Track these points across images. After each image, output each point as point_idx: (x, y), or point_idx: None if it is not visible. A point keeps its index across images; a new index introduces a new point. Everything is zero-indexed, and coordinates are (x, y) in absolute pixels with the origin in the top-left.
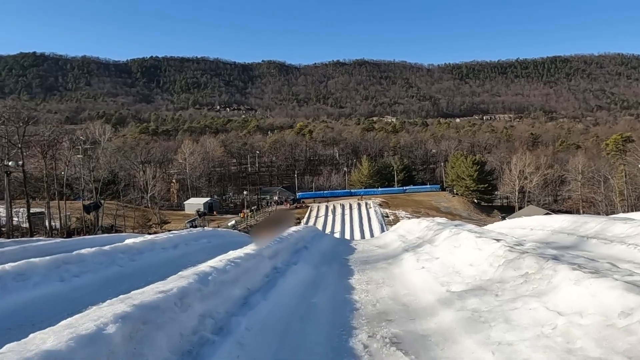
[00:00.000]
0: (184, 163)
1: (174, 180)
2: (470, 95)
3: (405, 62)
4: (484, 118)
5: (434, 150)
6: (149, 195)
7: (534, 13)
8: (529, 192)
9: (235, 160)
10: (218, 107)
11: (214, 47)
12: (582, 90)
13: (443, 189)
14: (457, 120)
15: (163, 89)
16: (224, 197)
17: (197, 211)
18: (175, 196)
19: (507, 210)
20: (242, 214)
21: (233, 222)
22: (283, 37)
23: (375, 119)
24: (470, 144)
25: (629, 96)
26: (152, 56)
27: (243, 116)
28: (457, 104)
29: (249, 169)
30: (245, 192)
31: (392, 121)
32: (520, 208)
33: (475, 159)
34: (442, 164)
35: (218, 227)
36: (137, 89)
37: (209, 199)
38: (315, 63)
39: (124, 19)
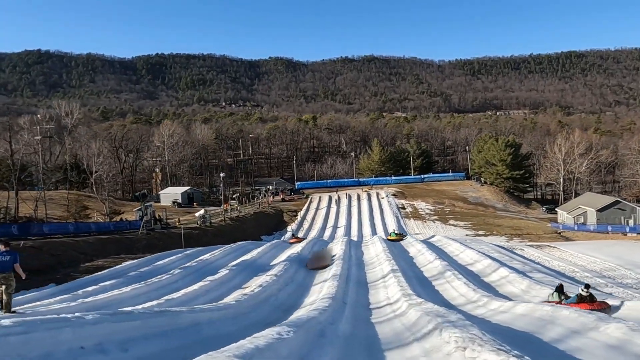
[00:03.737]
0: (161, 146)
1: (156, 170)
2: (483, 91)
3: (415, 58)
4: (498, 113)
5: (449, 142)
6: (93, 177)
7: (546, 7)
8: (578, 178)
9: (230, 152)
10: (223, 104)
11: (220, 44)
12: (599, 86)
13: (468, 178)
14: (470, 115)
15: (168, 85)
16: (213, 188)
17: (174, 202)
18: (159, 187)
19: (546, 202)
20: (225, 206)
21: (202, 211)
22: (290, 33)
23: (385, 114)
24: (492, 131)
25: None
26: (157, 53)
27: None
28: (470, 100)
29: (242, 155)
30: (231, 189)
31: (402, 116)
32: (565, 198)
33: (508, 141)
34: (467, 148)
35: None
36: (142, 86)
37: (188, 188)
38: (323, 59)
39: (130, 16)
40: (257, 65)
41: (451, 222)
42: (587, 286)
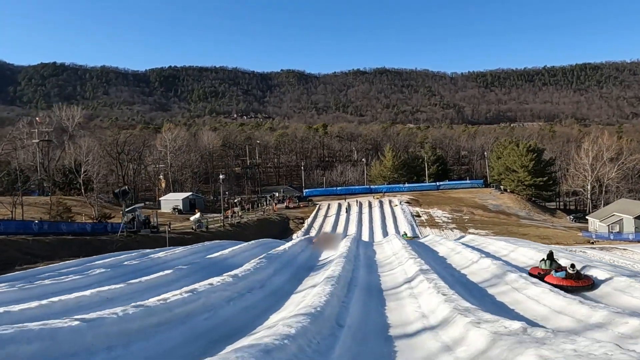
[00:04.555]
0: (164, 151)
1: (160, 176)
2: (497, 103)
3: (428, 71)
4: (512, 125)
5: (464, 152)
6: (81, 177)
7: (560, 20)
8: (607, 184)
9: (239, 161)
10: (235, 115)
11: (233, 57)
12: (615, 98)
13: (487, 185)
14: (484, 126)
15: (180, 97)
16: (218, 196)
17: (174, 208)
18: (163, 194)
19: (569, 212)
20: (226, 213)
21: (198, 215)
22: (302, 46)
23: (397, 125)
24: (510, 139)
25: None
26: (170, 66)
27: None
28: (483, 112)
29: (248, 162)
30: (234, 195)
31: (415, 127)
32: (595, 206)
33: (529, 146)
34: (485, 154)
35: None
36: (155, 98)
37: (190, 194)
38: (335, 72)
39: (144, 29)
40: (268, 77)
41: (471, 230)
42: (572, 266)
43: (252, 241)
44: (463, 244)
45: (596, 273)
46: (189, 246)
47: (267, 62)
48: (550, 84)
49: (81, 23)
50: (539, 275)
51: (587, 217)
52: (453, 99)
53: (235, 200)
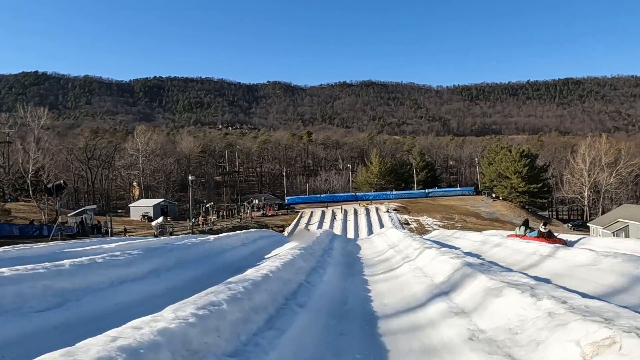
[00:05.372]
0: (135, 155)
1: (134, 184)
2: (482, 116)
3: (413, 84)
4: (498, 137)
5: (452, 162)
6: (29, 176)
7: (543, 35)
8: (605, 190)
9: (220, 170)
10: (220, 126)
11: (219, 68)
12: (597, 112)
13: (478, 192)
14: (471, 137)
15: (165, 108)
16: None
17: (144, 215)
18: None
19: (564, 221)
20: (198, 220)
21: (160, 219)
22: (289, 58)
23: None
24: (502, 145)
25: None
26: (155, 76)
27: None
28: (468, 125)
29: (227, 168)
30: (205, 201)
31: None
32: (591, 214)
33: (523, 151)
34: (476, 160)
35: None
36: (139, 108)
37: (161, 200)
38: (321, 84)
39: (129, 40)
40: (255, 89)
41: None
42: (545, 223)
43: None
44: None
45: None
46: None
47: (254, 74)
48: (534, 97)
49: (65, 33)
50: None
51: (588, 224)
52: (439, 111)
53: (207, 206)
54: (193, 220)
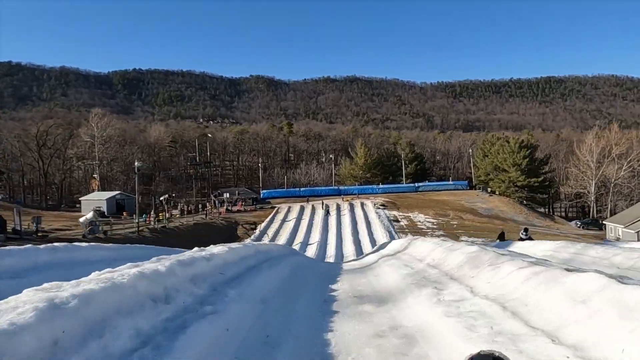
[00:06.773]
0: (90, 141)
1: (94, 175)
2: (465, 113)
3: (398, 80)
4: (486, 133)
5: (439, 157)
6: None
7: (526, 34)
8: (615, 184)
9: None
10: (201, 120)
11: (201, 61)
12: (579, 110)
13: (472, 187)
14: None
15: (145, 101)
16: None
17: (95, 210)
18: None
19: (568, 218)
20: (149, 217)
21: (90, 215)
22: (272, 52)
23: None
24: (498, 136)
25: (626, 116)
26: (135, 68)
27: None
28: (452, 121)
29: (197, 158)
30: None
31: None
32: (598, 210)
33: (522, 141)
34: (470, 151)
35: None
36: (117, 101)
37: (117, 193)
38: (305, 79)
39: (108, 31)
40: (237, 82)
41: (463, 237)
42: (526, 230)
43: None
44: None
45: None
46: None
47: (236, 67)
48: (516, 95)
49: (41, 22)
50: None
51: (604, 222)
52: (423, 108)
53: (161, 199)
54: (144, 216)
